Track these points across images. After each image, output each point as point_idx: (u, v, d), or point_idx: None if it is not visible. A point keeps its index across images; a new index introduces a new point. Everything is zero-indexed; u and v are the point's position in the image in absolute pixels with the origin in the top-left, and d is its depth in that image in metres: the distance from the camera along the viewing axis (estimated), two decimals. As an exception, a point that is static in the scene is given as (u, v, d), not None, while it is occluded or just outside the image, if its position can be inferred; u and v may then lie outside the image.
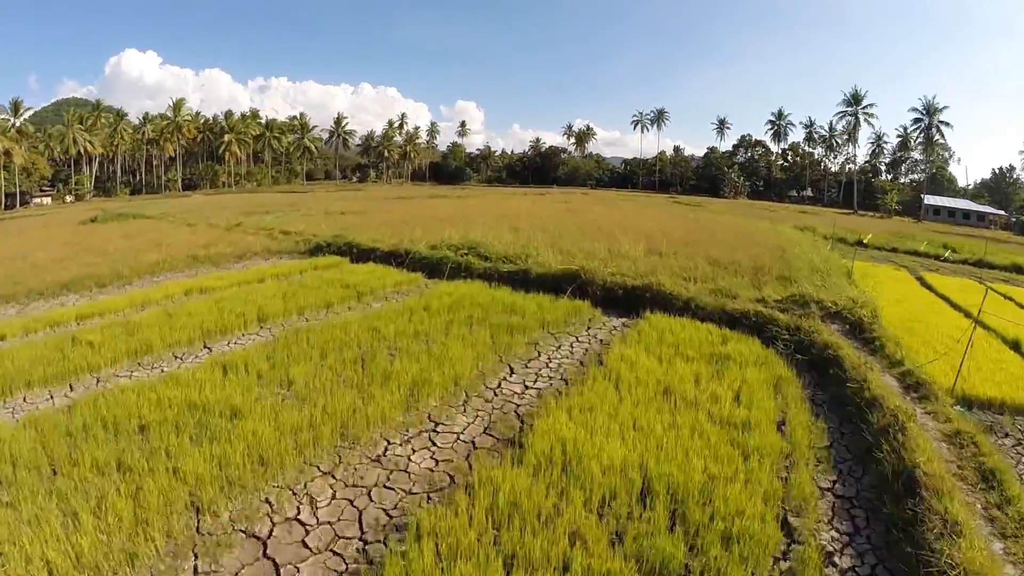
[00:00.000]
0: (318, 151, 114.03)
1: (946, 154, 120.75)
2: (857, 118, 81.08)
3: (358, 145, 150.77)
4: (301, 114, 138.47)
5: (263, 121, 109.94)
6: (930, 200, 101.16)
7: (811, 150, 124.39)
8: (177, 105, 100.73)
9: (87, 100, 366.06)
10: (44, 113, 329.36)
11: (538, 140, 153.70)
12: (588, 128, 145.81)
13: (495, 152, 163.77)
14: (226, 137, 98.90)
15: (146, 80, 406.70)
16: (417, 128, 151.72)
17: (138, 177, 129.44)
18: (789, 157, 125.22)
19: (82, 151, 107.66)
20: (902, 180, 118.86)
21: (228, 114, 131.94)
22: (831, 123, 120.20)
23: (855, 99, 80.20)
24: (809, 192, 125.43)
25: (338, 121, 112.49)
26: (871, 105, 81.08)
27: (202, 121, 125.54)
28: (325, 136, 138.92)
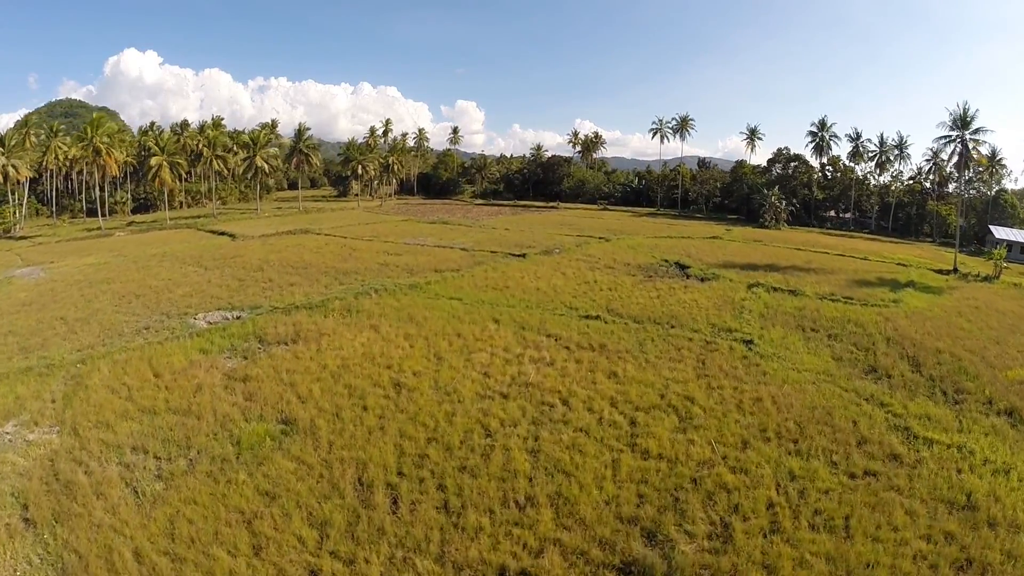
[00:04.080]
0: (273, 169, 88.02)
1: (1003, 171, 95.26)
2: (965, 145, 55.21)
3: (340, 154, 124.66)
4: (269, 123, 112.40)
5: (207, 139, 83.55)
6: (1001, 233, 75.62)
7: (852, 164, 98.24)
8: (94, 123, 74.35)
9: (84, 102, 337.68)
10: (37, 115, 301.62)
11: (539, 147, 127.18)
12: (596, 135, 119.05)
13: (492, 160, 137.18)
14: (153, 161, 72.88)
15: (146, 80, 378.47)
16: (404, 135, 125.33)
17: (95, 195, 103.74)
18: (828, 172, 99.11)
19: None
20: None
21: (183, 125, 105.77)
22: (881, 136, 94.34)
23: (962, 122, 54.25)
24: (849, 214, 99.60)
25: (300, 134, 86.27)
26: (981, 130, 55.05)
27: (160, 135, 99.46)
28: (318, 141, 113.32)
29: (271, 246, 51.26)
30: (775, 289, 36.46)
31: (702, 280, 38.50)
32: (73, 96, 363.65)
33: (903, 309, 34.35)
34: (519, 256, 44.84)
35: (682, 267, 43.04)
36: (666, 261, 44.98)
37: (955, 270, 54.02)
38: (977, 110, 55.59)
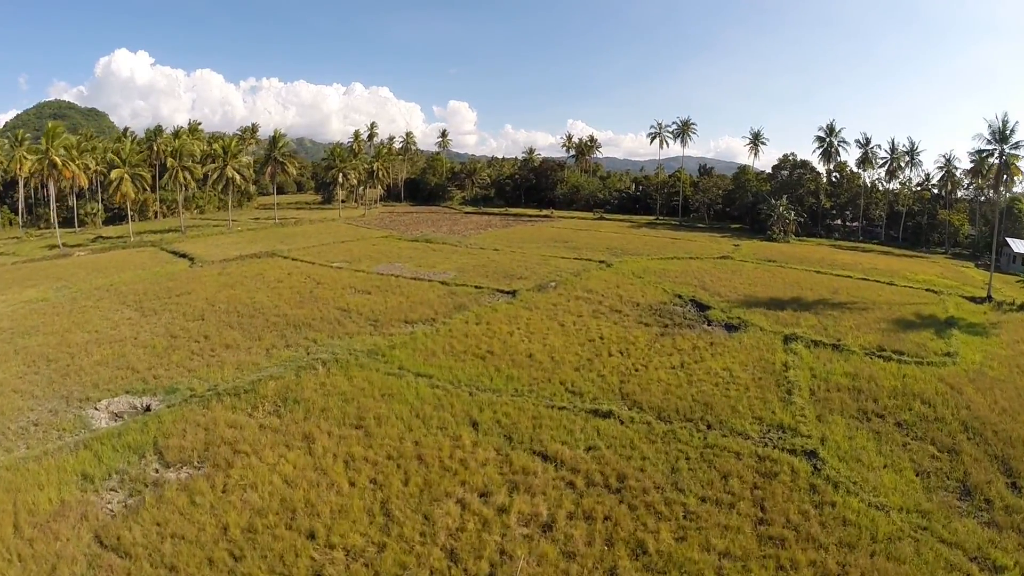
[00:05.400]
0: (245, 180, 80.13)
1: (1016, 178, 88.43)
2: (1004, 159, 48.44)
3: (324, 159, 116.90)
4: (249, 127, 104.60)
5: (172, 148, 75.42)
6: (1018, 246, 69.05)
7: (859, 171, 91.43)
8: (49, 133, 66.16)
9: (73, 103, 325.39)
10: (26, 116, 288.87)
11: (531, 151, 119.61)
12: (591, 139, 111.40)
13: (483, 164, 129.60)
14: (113, 174, 65.12)
15: (137, 80, 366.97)
16: (391, 139, 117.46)
17: (71, 203, 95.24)
18: (835, 179, 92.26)
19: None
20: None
21: (157, 131, 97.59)
22: (892, 142, 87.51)
23: (1001, 135, 47.46)
24: (857, 223, 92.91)
25: (275, 141, 78.38)
26: (1021, 144, 48.07)
27: (124, 145, 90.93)
28: (309, 142, 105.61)
29: (227, 277, 43.97)
30: (815, 343, 29.69)
31: (728, 329, 31.63)
32: (63, 97, 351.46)
33: (962, 369, 28.69)
34: (508, 293, 37.78)
35: (700, 306, 36.14)
36: (680, 297, 38.06)
37: (989, 298, 47.57)
38: (1016, 122, 48.78)
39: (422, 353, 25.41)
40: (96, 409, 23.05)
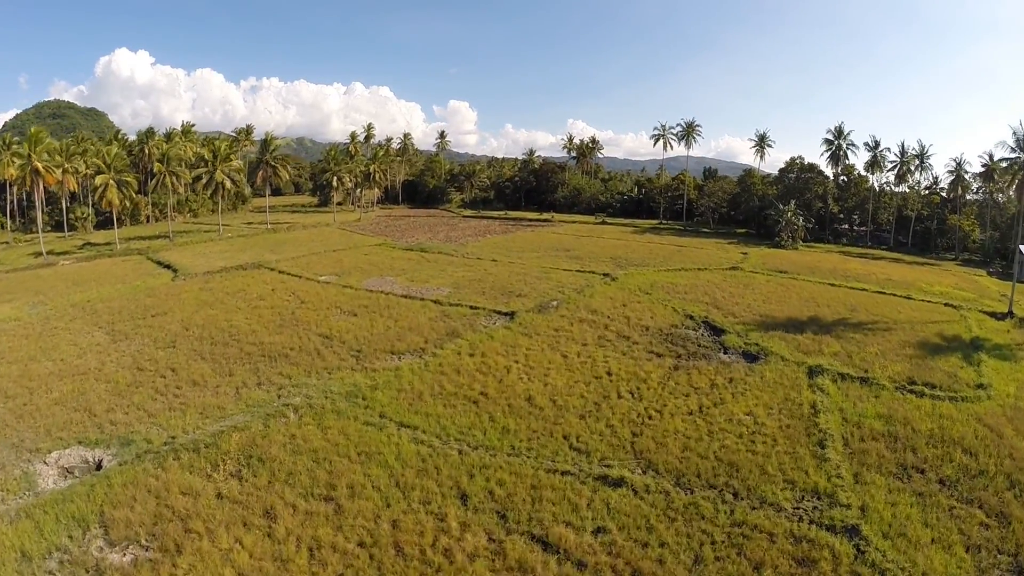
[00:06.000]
0: (236, 184, 77.15)
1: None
2: (1026, 165, 45.85)
3: (320, 161, 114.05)
4: (244, 129, 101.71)
5: (161, 152, 72.30)
6: None
7: (867, 174, 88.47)
8: (31, 139, 63.20)
9: (73, 103, 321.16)
10: (25, 116, 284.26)
11: (532, 152, 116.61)
12: (593, 141, 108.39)
13: (483, 165, 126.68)
14: (98, 180, 62.37)
15: (137, 80, 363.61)
16: (389, 140, 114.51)
17: (63, 206, 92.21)
18: (842, 182, 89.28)
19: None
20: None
21: (148, 133, 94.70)
22: (902, 146, 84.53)
23: None
24: (865, 228, 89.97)
25: (266, 144, 75.57)
26: None
27: (108, 150, 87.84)
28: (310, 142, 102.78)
29: (208, 293, 41.30)
30: (842, 376, 27.05)
31: (747, 358, 28.96)
32: (63, 97, 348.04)
33: (998, 404, 26.48)
34: (506, 315, 35.07)
35: (714, 330, 33.45)
36: (692, 319, 35.37)
37: (1011, 314, 44.98)
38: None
39: (407, 396, 22.71)
40: (45, 463, 20.50)
